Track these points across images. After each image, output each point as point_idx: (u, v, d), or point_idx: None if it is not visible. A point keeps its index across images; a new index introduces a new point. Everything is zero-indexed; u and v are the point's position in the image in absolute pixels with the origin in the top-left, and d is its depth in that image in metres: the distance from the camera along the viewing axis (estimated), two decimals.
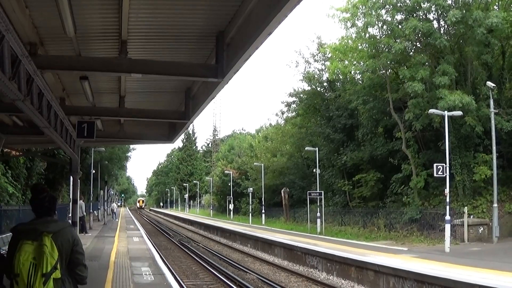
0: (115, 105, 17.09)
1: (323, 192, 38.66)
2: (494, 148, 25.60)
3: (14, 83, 7.95)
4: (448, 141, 24.34)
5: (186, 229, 56.69)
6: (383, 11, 32.07)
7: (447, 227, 22.73)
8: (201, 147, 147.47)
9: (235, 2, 9.19)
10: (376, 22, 32.33)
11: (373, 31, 33.79)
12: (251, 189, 57.45)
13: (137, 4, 9.04)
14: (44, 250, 4.24)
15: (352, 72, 41.23)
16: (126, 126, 21.34)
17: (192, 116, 16.26)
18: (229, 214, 67.71)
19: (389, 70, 34.76)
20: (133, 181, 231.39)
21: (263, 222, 50.54)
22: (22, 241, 4.32)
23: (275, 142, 62.77)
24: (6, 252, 4.61)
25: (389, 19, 32.13)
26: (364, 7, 32.04)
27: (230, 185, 68.47)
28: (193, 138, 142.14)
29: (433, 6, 29.60)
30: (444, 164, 23.51)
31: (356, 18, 33.23)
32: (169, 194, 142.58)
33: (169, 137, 22.33)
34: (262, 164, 55.21)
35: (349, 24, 34.10)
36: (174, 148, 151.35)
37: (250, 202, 58.62)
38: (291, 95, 52.38)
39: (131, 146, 67.79)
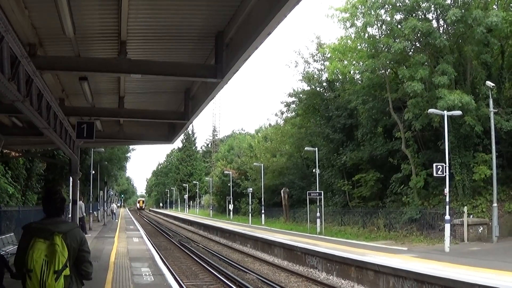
0: (115, 105, 17.10)
1: (322, 192, 38.65)
2: (493, 147, 25.60)
3: (13, 84, 7.95)
4: (448, 140, 24.34)
5: (186, 229, 56.65)
6: (382, 11, 32.07)
7: (447, 226, 22.73)
8: (201, 148, 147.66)
9: (234, 2, 9.19)
10: (375, 22, 32.32)
11: (372, 31, 33.84)
12: (251, 189, 57.44)
13: (137, 4, 9.04)
14: (56, 249, 4.58)
15: (352, 72, 41.26)
16: (125, 126, 21.34)
17: (192, 116, 16.27)
18: (229, 214, 67.71)
19: (389, 70, 34.76)
20: (133, 181, 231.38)
21: (263, 222, 50.54)
22: (35, 239, 4.65)
23: (275, 142, 62.77)
24: (17, 248, 4.99)
25: (388, 19, 32.11)
26: (363, 7, 32.04)
27: (229, 186, 68.47)
28: (193, 139, 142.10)
29: (432, 6, 29.60)
30: (443, 164, 23.51)
31: (355, 18, 33.24)
32: (168, 195, 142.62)
33: (168, 138, 22.33)
34: (262, 164, 55.18)
35: (348, 24, 34.15)
36: (174, 148, 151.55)
37: (250, 202, 58.59)
38: (290, 95, 52.47)
39: (131, 146, 68.01)
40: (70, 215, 22.56)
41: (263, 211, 53.55)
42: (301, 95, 51.06)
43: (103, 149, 44.33)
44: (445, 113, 24.16)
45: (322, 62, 48.42)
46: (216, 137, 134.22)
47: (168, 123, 20.54)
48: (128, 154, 75.89)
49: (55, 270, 4.56)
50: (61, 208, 5.03)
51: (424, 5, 29.90)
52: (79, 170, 20.79)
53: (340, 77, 44.44)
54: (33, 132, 16.11)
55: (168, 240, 38.97)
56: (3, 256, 12.17)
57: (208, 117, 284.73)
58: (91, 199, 52.58)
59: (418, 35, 30.35)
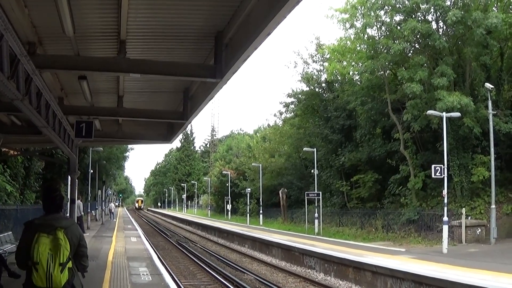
0: (114, 105, 17.07)
1: (321, 192, 38.67)
2: (492, 149, 25.61)
3: (12, 82, 7.94)
4: (446, 142, 24.35)
5: (184, 229, 56.67)
6: (382, 12, 32.11)
7: (445, 228, 22.75)
8: (199, 148, 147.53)
9: (234, 3, 9.18)
10: (375, 23, 32.37)
11: (371, 32, 33.89)
12: (249, 189, 57.45)
13: (136, 4, 9.03)
14: (60, 243, 4.94)
15: (351, 73, 41.23)
16: (124, 126, 21.31)
17: (191, 116, 16.25)
18: (227, 214, 67.75)
19: (388, 71, 34.79)
20: (131, 181, 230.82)
21: (261, 223, 50.57)
22: (39, 233, 4.96)
23: (273, 143, 62.81)
24: (19, 243, 5.28)
25: (388, 20, 32.15)
26: (363, 8, 32.10)
27: (228, 186, 68.48)
28: (191, 138, 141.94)
29: (432, 7, 29.64)
30: (442, 165, 23.51)
31: (355, 19, 33.31)
32: (167, 194, 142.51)
33: (167, 137, 22.31)
34: (260, 165, 55.21)
35: (347, 25, 34.21)
36: (172, 148, 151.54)
37: (248, 203, 58.60)
38: (289, 95, 52.47)
39: (129, 146, 67.90)
40: (68, 214, 22.55)
41: (261, 211, 53.59)
42: (300, 96, 51.09)
43: (102, 148, 44.31)
44: (444, 114, 24.18)
45: (321, 62, 48.48)
46: (214, 137, 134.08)
47: (167, 122, 20.52)
48: (127, 154, 76.00)
49: (60, 262, 4.89)
50: (60, 205, 5.33)
51: (423, 6, 29.94)
52: (77, 169, 20.78)
53: (339, 78, 44.46)
54: (32, 131, 16.06)
55: (166, 240, 38.96)
56: (1, 255, 12.16)
57: (206, 117, 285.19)
58: (89, 198, 52.55)
59: (418, 36, 30.40)
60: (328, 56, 44.05)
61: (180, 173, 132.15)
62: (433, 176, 24.21)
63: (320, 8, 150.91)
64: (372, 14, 31.70)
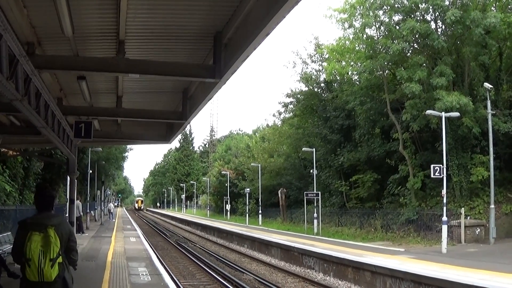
0: (113, 105, 17.10)
1: (320, 192, 38.66)
2: (491, 149, 25.62)
3: (11, 83, 7.94)
4: (445, 142, 24.34)
5: (183, 229, 56.66)
6: (381, 12, 32.05)
7: (444, 228, 22.74)
8: (198, 148, 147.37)
9: (233, 3, 9.19)
10: (374, 23, 32.32)
11: (370, 32, 33.83)
12: (248, 189, 57.38)
13: (135, 4, 9.04)
14: (50, 240, 5.30)
15: (350, 73, 41.24)
16: (123, 126, 21.33)
17: (190, 116, 16.27)
18: (226, 214, 67.73)
19: (387, 71, 34.75)
20: (130, 181, 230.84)
21: (260, 223, 50.55)
22: (31, 232, 5.32)
23: (272, 143, 62.75)
24: (14, 241, 5.66)
25: (387, 20, 32.09)
26: (361, 8, 32.05)
27: (227, 186, 68.45)
28: (190, 139, 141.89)
29: (430, 7, 29.63)
30: (441, 165, 23.51)
31: (353, 19, 33.23)
32: (166, 195, 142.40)
33: (166, 138, 22.34)
34: (259, 165, 55.20)
35: (346, 25, 34.15)
36: (171, 148, 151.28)
37: (247, 203, 58.55)
38: (288, 95, 52.35)
39: (128, 146, 67.87)
40: (67, 214, 22.56)
41: (260, 211, 53.57)
42: (299, 96, 51.00)
43: (101, 149, 44.26)
44: (443, 114, 24.18)
45: (320, 63, 48.41)
46: (213, 137, 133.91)
47: (166, 123, 20.54)
48: (126, 154, 75.85)
49: (51, 258, 5.27)
50: (50, 202, 5.74)
51: (422, 6, 29.93)
52: (76, 170, 20.79)
53: (338, 78, 44.44)
54: (31, 131, 16.06)
55: (165, 240, 38.94)
56: (0, 255, 12.13)
57: (205, 117, 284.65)
58: (88, 199, 52.54)
59: (416, 36, 30.38)
60: (327, 56, 44.08)
61: (179, 173, 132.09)
62: (432, 176, 24.21)
63: (319, 8, 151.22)
64: (371, 14, 31.66)
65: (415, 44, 32.17)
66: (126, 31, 10.14)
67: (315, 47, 48.54)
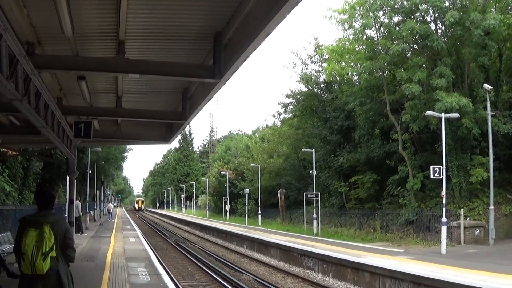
0: (112, 105, 17.09)
1: (319, 193, 38.67)
2: (490, 150, 25.63)
3: (11, 82, 7.94)
4: (445, 143, 24.34)
5: (182, 229, 56.62)
6: (381, 13, 32.06)
7: (443, 229, 22.74)
8: (198, 148, 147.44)
9: (233, 3, 9.19)
10: (374, 23, 32.35)
11: (370, 32, 33.85)
12: (248, 190, 57.39)
13: (135, 4, 9.04)
14: (44, 236, 5.63)
15: (349, 74, 41.23)
16: (123, 126, 21.33)
17: (189, 116, 16.27)
18: (225, 215, 67.71)
19: (386, 72, 34.75)
20: (130, 181, 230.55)
21: (259, 223, 50.53)
22: (28, 228, 5.70)
23: (272, 143, 62.73)
24: (15, 237, 6.00)
25: (387, 20, 32.11)
26: (361, 9, 32.07)
27: (226, 186, 68.46)
28: (190, 139, 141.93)
29: (430, 8, 29.65)
30: (440, 166, 23.51)
31: (353, 20, 33.24)
32: (165, 195, 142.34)
33: (166, 138, 22.33)
34: (259, 165, 55.22)
35: (346, 26, 34.14)
36: (171, 148, 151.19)
37: (247, 203, 58.52)
38: (288, 96, 52.35)
39: (128, 146, 67.87)
40: (67, 214, 22.53)
41: (259, 212, 53.53)
42: (298, 96, 51.01)
43: (100, 149, 44.30)
44: (443, 115, 24.19)
45: (320, 63, 48.47)
46: (213, 138, 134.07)
47: (166, 123, 20.54)
48: (125, 154, 75.84)
49: (43, 252, 5.59)
50: (50, 201, 6.10)
51: (422, 7, 29.93)
52: (76, 170, 20.78)
53: (338, 79, 44.44)
54: (31, 131, 16.06)
55: (165, 240, 38.93)
56: (0, 255, 12.12)
57: (205, 117, 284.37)
58: (87, 199, 52.53)
59: (416, 37, 30.42)
60: (326, 57, 44.08)
61: (178, 174, 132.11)
62: (431, 177, 24.21)
63: (319, 8, 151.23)
64: (371, 15, 31.69)
65: (415, 45, 32.20)
66: (126, 31, 10.14)
67: (315, 48, 48.64)
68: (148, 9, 9.52)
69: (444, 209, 23.48)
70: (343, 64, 40.14)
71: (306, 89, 49.92)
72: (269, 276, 21.37)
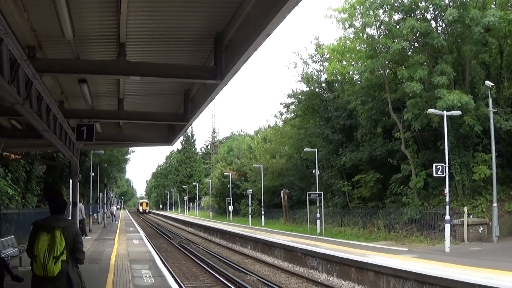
0: (114, 107, 17.07)
1: (322, 193, 38.63)
2: (493, 147, 25.62)
3: (13, 86, 7.93)
4: (447, 140, 24.35)
5: (186, 231, 56.67)
6: (381, 11, 32.07)
7: (447, 227, 22.74)
8: (200, 149, 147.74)
9: (233, 4, 9.17)
10: (374, 22, 32.35)
11: (371, 31, 33.87)
12: (251, 190, 57.41)
13: (136, 6, 9.02)
14: (55, 240, 6.06)
15: (351, 73, 41.20)
16: (125, 128, 21.33)
17: (191, 118, 16.25)
18: (229, 215, 67.72)
19: (387, 70, 34.76)
20: (133, 183, 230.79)
21: (263, 224, 50.56)
22: (40, 232, 6.14)
23: (274, 144, 62.72)
24: (28, 240, 6.37)
25: (387, 19, 32.15)
26: (361, 8, 32.08)
27: (229, 187, 68.46)
28: (192, 140, 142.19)
29: (430, 6, 29.63)
30: (443, 164, 23.51)
31: (353, 19, 33.30)
32: (168, 196, 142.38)
33: (168, 139, 22.31)
34: (261, 166, 55.21)
35: (346, 25, 34.19)
36: (173, 150, 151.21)
37: (250, 204, 58.52)
38: (289, 96, 52.43)
39: (130, 148, 67.97)
40: (70, 217, 22.55)
41: (263, 212, 53.56)
42: (300, 96, 51.06)
43: (103, 151, 44.38)
44: (445, 113, 24.18)
45: (321, 63, 48.51)
46: (215, 139, 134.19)
47: (168, 124, 20.52)
48: (128, 156, 76.08)
49: (54, 255, 6.01)
50: (62, 205, 6.59)
51: (422, 5, 29.93)
52: (78, 172, 20.77)
53: (339, 78, 44.38)
54: (33, 135, 16.05)
55: (168, 242, 38.96)
56: (3, 259, 12.14)
57: (207, 118, 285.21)
58: (91, 201, 52.58)
59: (417, 35, 30.41)
60: (327, 56, 44.06)
61: (181, 175, 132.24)
62: (434, 175, 24.20)
63: (319, 8, 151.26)
64: (371, 13, 31.68)
65: (415, 43, 32.22)
66: (127, 34, 10.13)
67: (316, 47, 48.64)
68: (148, 11, 9.51)
69: (447, 207, 23.49)
70: (344, 63, 40.12)
71: (308, 89, 49.97)
72: (273, 276, 21.39)
